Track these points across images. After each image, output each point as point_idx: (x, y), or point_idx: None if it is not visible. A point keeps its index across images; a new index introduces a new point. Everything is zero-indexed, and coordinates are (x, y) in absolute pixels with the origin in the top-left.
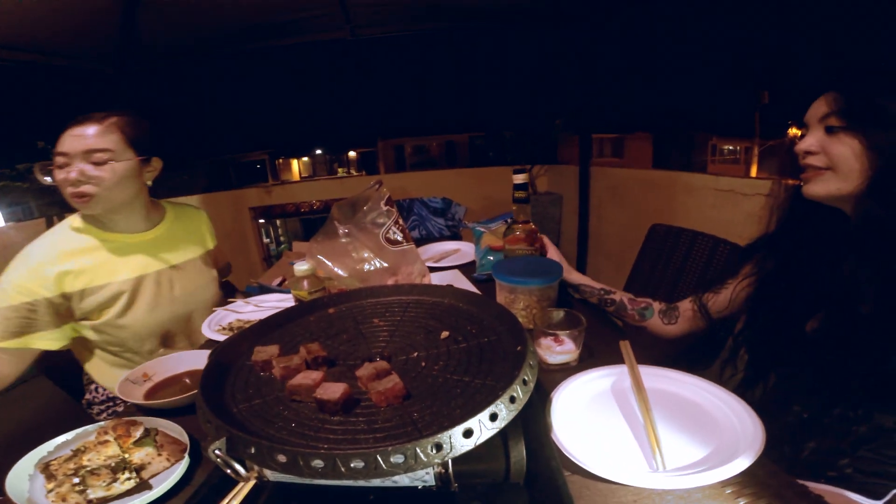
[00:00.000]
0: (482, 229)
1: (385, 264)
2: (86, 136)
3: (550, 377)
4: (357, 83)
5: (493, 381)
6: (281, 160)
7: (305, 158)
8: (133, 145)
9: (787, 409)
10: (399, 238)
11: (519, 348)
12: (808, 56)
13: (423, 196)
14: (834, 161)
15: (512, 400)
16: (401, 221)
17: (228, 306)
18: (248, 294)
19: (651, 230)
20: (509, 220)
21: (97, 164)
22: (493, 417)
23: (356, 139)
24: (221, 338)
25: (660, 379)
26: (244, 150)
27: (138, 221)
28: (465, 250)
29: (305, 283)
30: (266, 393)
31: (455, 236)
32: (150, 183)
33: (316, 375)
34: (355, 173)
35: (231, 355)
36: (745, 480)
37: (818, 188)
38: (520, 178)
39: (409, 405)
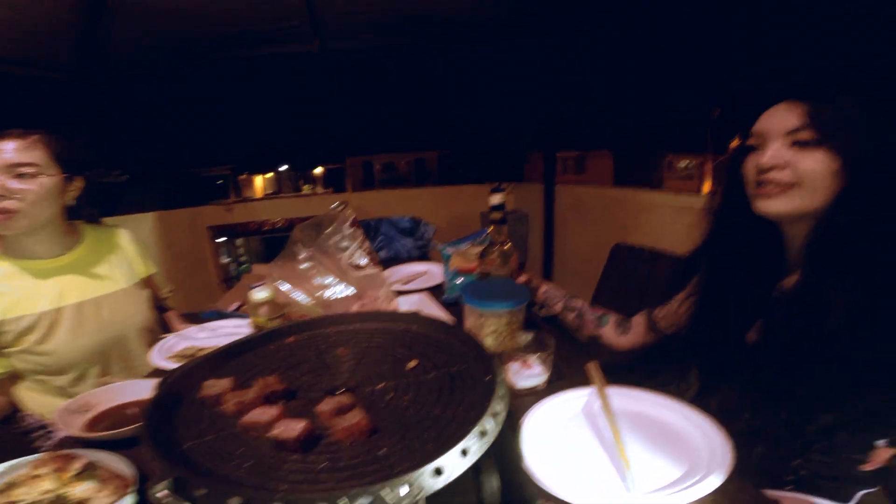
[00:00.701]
0: (450, 251)
1: (350, 289)
2: (7, 150)
3: (520, 402)
4: (325, 97)
5: (464, 413)
6: (244, 176)
7: (270, 174)
8: (58, 162)
9: (736, 417)
10: (364, 262)
11: (488, 378)
12: (762, 65)
13: (392, 215)
14: (802, 177)
15: (483, 434)
16: (366, 244)
17: (181, 332)
18: (203, 319)
19: (614, 249)
20: (479, 241)
21: (22, 177)
22: (465, 453)
23: (323, 155)
24: (172, 366)
25: (628, 399)
26: (205, 164)
27: (54, 245)
28: (433, 272)
29: (264, 309)
30: (220, 427)
31: (424, 257)
32: (72, 203)
33: (273, 411)
34: (322, 190)
35: (182, 386)
36: (717, 498)
37: (780, 205)
38: (496, 199)
39: (376, 440)
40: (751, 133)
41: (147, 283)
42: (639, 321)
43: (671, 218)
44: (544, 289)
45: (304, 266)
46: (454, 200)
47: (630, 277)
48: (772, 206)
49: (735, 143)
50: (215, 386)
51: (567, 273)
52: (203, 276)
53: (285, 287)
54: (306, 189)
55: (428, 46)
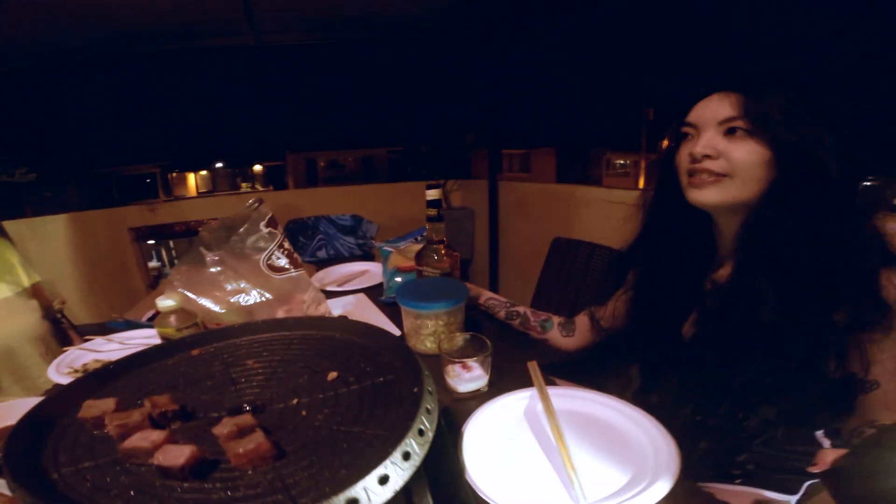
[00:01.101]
0: (389, 248)
1: (268, 295)
2: None
3: (463, 407)
4: (262, 92)
5: (386, 432)
6: (175, 174)
7: (204, 172)
8: None
9: (677, 412)
10: (284, 264)
11: (415, 390)
12: (694, 59)
13: (334, 213)
14: (735, 167)
15: (406, 456)
16: (286, 245)
17: (85, 345)
18: (111, 330)
19: (553, 243)
20: (420, 238)
21: None
22: (384, 480)
23: (262, 152)
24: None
25: (571, 400)
26: (130, 162)
27: None
28: (373, 271)
29: (172, 318)
30: (100, 454)
31: (367, 256)
32: None
33: (156, 436)
34: (261, 188)
35: (59, 407)
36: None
37: (712, 195)
38: (432, 194)
39: (282, 466)
40: (685, 123)
41: (34, 292)
42: (582, 321)
43: (607, 212)
44: (486, 297)
45: (212, 270)
46: (401, 198)
47: (569, 269)
48: (704, 196)
49: (667, 138)
50: (95, 407)
51: (511, 267)
52: (127, 282)
53: (191, 294)
54: (245, 187)
55: (371, 43)
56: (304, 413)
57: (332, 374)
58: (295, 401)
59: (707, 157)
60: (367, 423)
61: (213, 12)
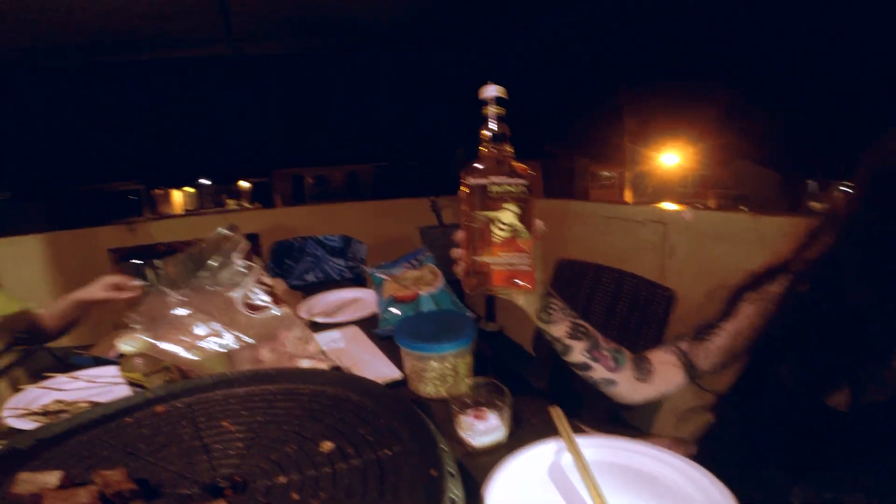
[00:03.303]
0: (382, 275)
1: (248, 339)
2: None
3: (478, 463)
4: (245, 106)
5: None
6: (160, 191)
7: (190, 189)
8: None
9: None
10: (265, 301)
11: (433, 472)
12: None
13: (322, 233)
14: None
15: None
16: (266, 279)
17: (45, 382)
18: (75, 366)
19: (557, 266)
20: (415, 262)
21: None
22: None
23: (247, 168)
24: (30, 425)
25: (603, 450)
26: (114, 178)
27: None
28: (366, 299)
29: (138, 362)
30: None
31: (358, 279)
32: None
33: None
34: (248, 205)
35: None
36: None
37: None
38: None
39: None
40: None
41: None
42: (662, 359)
43: (603, 228)
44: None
45: (177, 312)
46: (388, 216)
47: (574, 293)
48: None
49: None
50: (32, 482)
51: None
52: (108, 307)
53: (154, 340)
54: (231, 204)
55: (354, 55)
56: (295, 497)
57: (328, 445)
58: (282, 479)
59: None
60: None
61: (186, 17)
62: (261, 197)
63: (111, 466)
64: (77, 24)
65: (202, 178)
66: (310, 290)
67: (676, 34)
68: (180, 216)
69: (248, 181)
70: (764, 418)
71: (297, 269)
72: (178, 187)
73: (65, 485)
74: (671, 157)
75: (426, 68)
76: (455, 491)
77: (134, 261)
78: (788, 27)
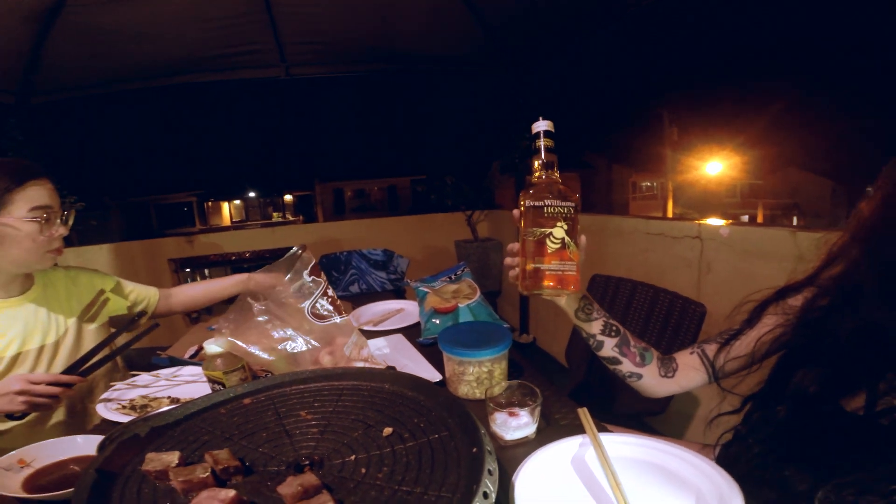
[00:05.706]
0: (425, 289)
1: (314, 343)
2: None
3: (509, 454)
4: (293, 123)
5: (450, 494)
6: (210, 203)
7: (238, 202)
8: None
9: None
10: (329, 311)
11: (475, 450)
12: None
13: (364, 246)
14: None
15: None
16: (330, 292)
17: (130, 380)
18: (154, 366)
19: (591, 281)
20: (454, 277)
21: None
22: None
23: (292, 181)
24: (122, 418)
25: (625, 446)
26: (168, 191)
27: (7, 283)
28: (409, 310)
29: (219, 362)
30: None
31: (399, 291)
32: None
33: (225, 495)
34: (291, 218)
35: (121, 459)
36: None
37: None
38: (543, 124)
39: None
40: None
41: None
42: (686, 360)
43: (645, 244)
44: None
45: (259, 319)
46: (427, 229)
47: (608, 309)
48: None
49: None
50: (158, 460)
51: (543, 301)
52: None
53: (241, 343)
54: (276, 216)
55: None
56: (363, 471)
57: (388, 430)
58: (353, 457)
59: None
60: (427, 485)
61: (243, 45)
62: (303, 209)
63: (215, 448)
64: (145, 52)
65: (250, 190)
66: (354, 300)
67: (720, 39)
68: (228, 229)
69: (292, 194)
70: (785, 422)
71: (343, 280)
72: (228, 199)
73: (181, 463)
74: (715, 166)
75: (463, 89)
76: (492, 464)
77: (186, 270)
78: (836, 29)
